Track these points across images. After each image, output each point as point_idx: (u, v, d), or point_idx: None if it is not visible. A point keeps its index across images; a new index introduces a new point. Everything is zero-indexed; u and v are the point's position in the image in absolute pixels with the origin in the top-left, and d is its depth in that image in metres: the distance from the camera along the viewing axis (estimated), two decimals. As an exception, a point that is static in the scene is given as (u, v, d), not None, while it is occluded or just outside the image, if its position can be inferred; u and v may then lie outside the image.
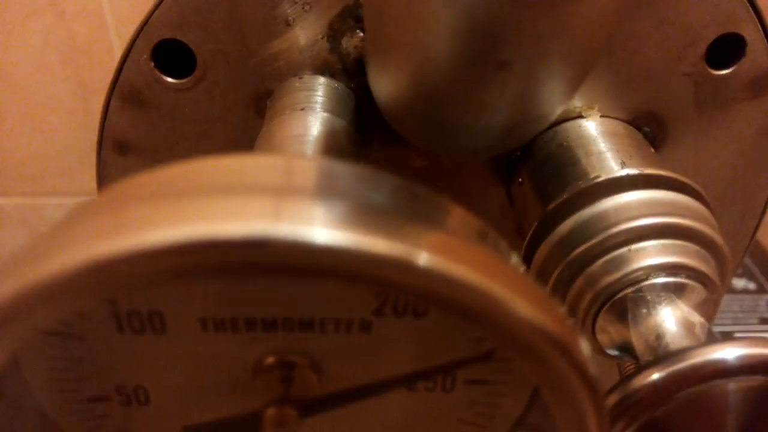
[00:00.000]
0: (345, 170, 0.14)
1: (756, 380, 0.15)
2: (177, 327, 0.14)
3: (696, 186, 0.22)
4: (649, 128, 0.26)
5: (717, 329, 0.47)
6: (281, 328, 0.14)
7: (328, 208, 0.12)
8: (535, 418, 0.16)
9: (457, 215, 0.14)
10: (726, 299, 0.50)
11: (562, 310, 0.13)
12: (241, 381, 0.15)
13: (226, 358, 0.15)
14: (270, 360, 0.15)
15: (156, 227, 0.10)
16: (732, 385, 0.15)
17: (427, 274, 0.12)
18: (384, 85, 0.18)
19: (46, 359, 0.15)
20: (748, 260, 0.55)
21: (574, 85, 0.16)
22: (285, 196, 0.12)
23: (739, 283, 0.52)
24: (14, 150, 0.59)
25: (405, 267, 0.11)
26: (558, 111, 0.18)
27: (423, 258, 0.12)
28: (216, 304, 0.14)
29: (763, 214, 0.29)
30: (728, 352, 0.15)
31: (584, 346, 0.13)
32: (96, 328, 0.14)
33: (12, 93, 0.56)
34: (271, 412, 0.14)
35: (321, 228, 0.11)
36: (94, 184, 0.26)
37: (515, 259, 0.14)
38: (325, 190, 0.12)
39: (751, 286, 0.52)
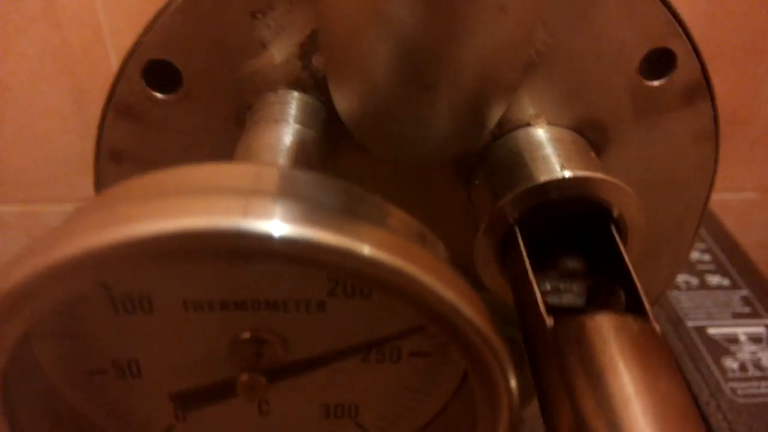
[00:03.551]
0: (304, 177, 0.16)
1: None
2: (163, 308, 0.17)
3: (627, 188, 0.25)
4: (592, 134, 0.28)
5: (690, 324, 0.49)
6: (250, 308, 0.17)
7: (288, 207, 0.14)
8: (467, 394, 0.19)
9: (398, 217, 0.16)
10: (700, 295, 0.52)
11: (483, 303, 0.16)
12: (219, 354, 0.18)
13: (205, 334, 0.17)
14: (245, 335, 0.18)
15: (142, 220, 0.13)
16: None
17: (369, 262, 0.14)
18: (340, 101, 0.21)
19: (53, 337, 0.17)
20: (723, 257, 0.56)
21: (499, 102, 0.19)
22: (253, 197, 0.14)
23: (714, 279, 0.53)
24: (13, 158, 0.60)
25: (351, 255, 0.14)
26: (491, 122, 0.21)
27: (366, 249, 0.14)
28: (195, 288, 0.17)
29: (702, 213, 0.31)
30: None
31: (500, 338, 0.16)
32: (94, 309, 0.17)
33: (10, 102, 0.57)
34: (243, 378, 0.17)
35: (281, 222, 0.14)
36: (91, 190, 0.28)
37: (446, 257, 0.17)
38: (287, 193, 0.15)
39: (725, 282, 0.53)
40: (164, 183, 0.15)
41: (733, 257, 0.56)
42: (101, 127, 0.27)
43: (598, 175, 0.24)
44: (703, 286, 0.53)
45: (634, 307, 0.21)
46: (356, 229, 0.14)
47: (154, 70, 0.26)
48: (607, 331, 0.18)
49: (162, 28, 0.25)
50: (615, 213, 0.25)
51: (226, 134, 0.27)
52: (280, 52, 0.25)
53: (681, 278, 0.54)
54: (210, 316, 0.17)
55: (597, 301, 0.22)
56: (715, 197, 0.73)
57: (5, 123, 0.59)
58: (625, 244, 0.26)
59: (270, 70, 0.26)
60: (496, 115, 0.21)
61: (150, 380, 0.18)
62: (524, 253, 0.24)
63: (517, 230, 0.25)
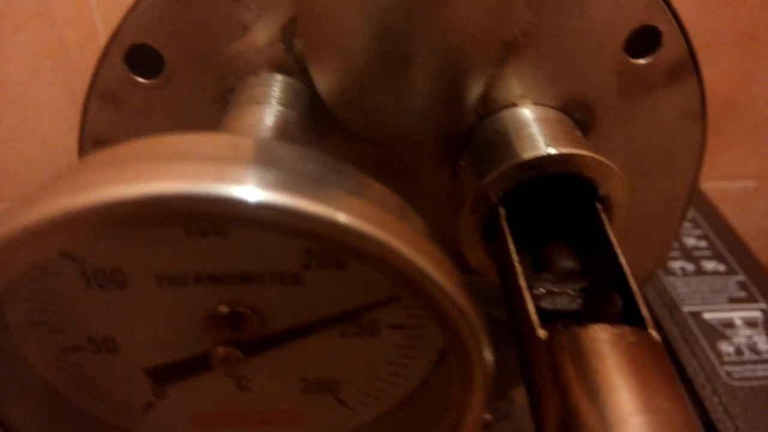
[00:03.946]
0: (282, 147, 0.16)
1: None
2: (136, 282, 0.17)
3: (611, 165, 0.24)
4: (578, 114, 0.28)
5: (686, 309, 0.49)
6: (225, 281, 0.17)
7: (264, 174, 0.14)
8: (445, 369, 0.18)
9: (377, 189, 0.16)
10: (696, 280, 0.52)
11: (460, 275, 0.16)
12: (196, 328, 0.18)
13: (181, 308, 0.17)
14: (222, 309, 0.17)
15: (107, 186, 0.13)
16: None
17: (345, 229, 0.14)
18: (319, 78, 0.21)
19: (27, 313, 0.17)
20: (719, 243, 0.56)
21: (477, 77, 0.19)
22: (228, 164, 0.14)
23: (709, 264, 0.53)
24: (9, 156, 0.61)
25: (327, 222, 0.14)
26: (470, 98, 0.21)
27: (342, 216, 0.14)
28: (169, 262, 0.16)
29: (691, 193, 0.31)
30: None
31: (475, 311, 0.16)
32: (68, 284, 0.17)
33: (6, 101, 0.57)
34: (219, 352, 0.17)
35: (256, 188, 0.14)
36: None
37: (427, 231, 0.17)
38: (263, 161, 0.15)
39: (721, 268, 0.53)
40: (138, 150, 0.15)
41: (729, 243, 0.56)
42: (85, 113, 0.27)
43: (582, 151, 0.24)
44: (699, 271, 0.53)
45: (631, 314, 0.20)
46: (333, 197, 0.14)
47: (136, 54, 0.26)
48: (602, 344, 0.18)
49: (143, 12, 0.25)
50: (600, 191, 0.25)
51: (210, 118, 0.27)
52: (262, 34, 0.25)
53: (677, 264, 0.54)
54: (185, 290, 0.17)
55: (593, 308, 0.22)
56: (714, 185, 0.73)
57: (1, 121, 0.59)
58: (610, 222, 0.26)
59: (253, 52, 0.26)
60: (474, 91, 0.21)
61: (127, 357, 0.18)
62: (507, 232, 0.24)
63: (501, 209, 0.25)
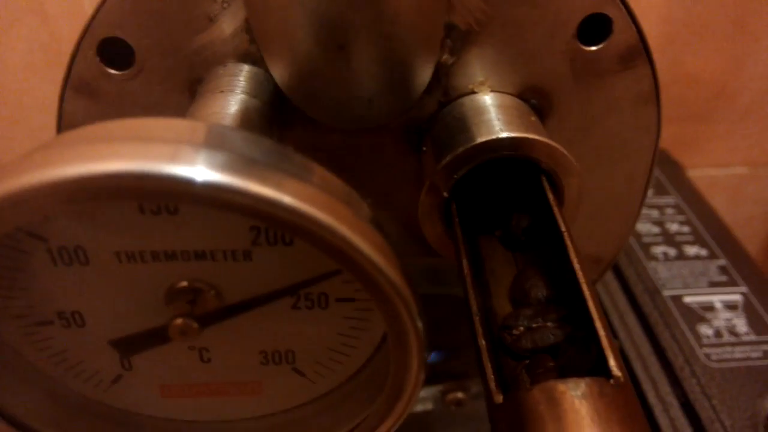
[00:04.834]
0: (235, 134, 0.18)
1: None
2: (97, 259, 0.18)
3: (560, 148, 0.26)
4: (536, 100, 0.29)
5: (667, 293, 0.50)
6: (180, 258, 0.18)
7: (215, 157, 0.15)
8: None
9: (322, 175, 0.17)
10: (677, 265, 0.53)
11: (397, 256, 0.17)
12: (157, 303, 0.19)
13: (141, 284, 0.19)
14: (181, 285, 0.19)
15: (61, 164, 0.14)
16: None
17: (286, 208, 0.15)
18: (273, 67, 0.22)
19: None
20: (701, 229, 0.57)
21: (419, 64, 0.20)
22: (183, 146, 0.15)
23: (691, 249, 0.54)
24: (6, 151, 0.62)
25: (271, 202, 0.15)
26: (417, 85, 0.22)
27: (286, 197, 0.15)
28: (126, 240, 0.18)
29: (649, 176, 0.32)
30: None
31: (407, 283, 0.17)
32: (35, 261, 0.18)
33: (1, 97, 0.58)
34: (176, 323, 0.18)
35: (206, 169, 0.15)
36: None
37: (368, 215, 0.18)
38: (216, 145, 0.16)
39: (703, 252, 0.54)
40: (103, 132, 0.16)
41: (711, 228, 0.57)
42: (61, 105, 0.28)
43: (532, 135, 0.25)
44: (681, 256, 0.54)
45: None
46: (278, 180, 0.16)
47: (108, 47, 0.27)
48: (573, 400, 0.17)
49: (113, 5, 0.26)
50: (545, 169, 0.26)
51: (180, 107, 0.28)
52: (227, 25, 0.26)
53: (659, 249, 0.55)
54: (143, 266, 0.18)
55: (570, 353, 0.21)
56: (705, 173, 0.73)
57: (-2, 117, 0.60)
58: (562, 204, 0.27)
59: (219, 43, 0.27)
60: (421, 77, 0.22)
61: (94, 330, 0.19)
62: (456, 220, 0.25)
63: (453, 204, 0.26)
